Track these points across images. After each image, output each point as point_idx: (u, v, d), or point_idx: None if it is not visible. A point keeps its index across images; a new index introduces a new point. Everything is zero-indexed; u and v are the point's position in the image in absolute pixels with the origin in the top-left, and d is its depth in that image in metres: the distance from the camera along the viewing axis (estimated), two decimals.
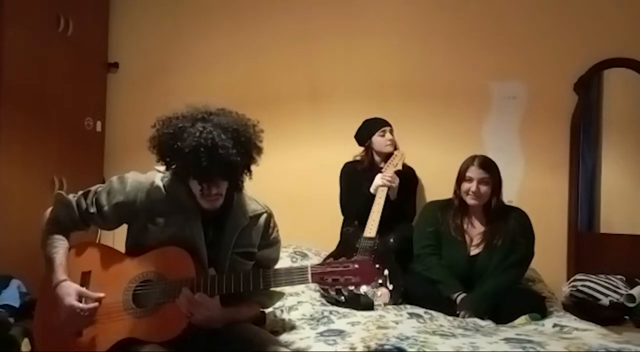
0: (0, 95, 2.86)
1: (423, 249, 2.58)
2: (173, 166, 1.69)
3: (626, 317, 2.65)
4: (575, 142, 3.10)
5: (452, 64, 3.25)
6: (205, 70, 3.58)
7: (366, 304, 2.38)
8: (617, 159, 3.14)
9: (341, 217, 2.95)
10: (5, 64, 2.88)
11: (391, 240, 2.69)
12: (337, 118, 3.34)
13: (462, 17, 3.26)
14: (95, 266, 1.78)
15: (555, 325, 2.18)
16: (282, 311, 2.31)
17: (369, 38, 3.38)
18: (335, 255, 2.71)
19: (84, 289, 1.71)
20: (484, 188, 2.49)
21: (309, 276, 1.61)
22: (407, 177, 2.94)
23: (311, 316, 2.26)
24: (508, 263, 2.45)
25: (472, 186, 2.48)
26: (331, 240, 2.84)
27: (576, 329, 2.10)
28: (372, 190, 2.77)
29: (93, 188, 1.85)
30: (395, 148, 2.94)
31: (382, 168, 2.85)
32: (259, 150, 1.72)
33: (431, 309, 2.35)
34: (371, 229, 2.65)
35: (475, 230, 2.55)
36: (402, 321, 2.19)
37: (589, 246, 3.04)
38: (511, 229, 2.49)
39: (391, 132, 2.97)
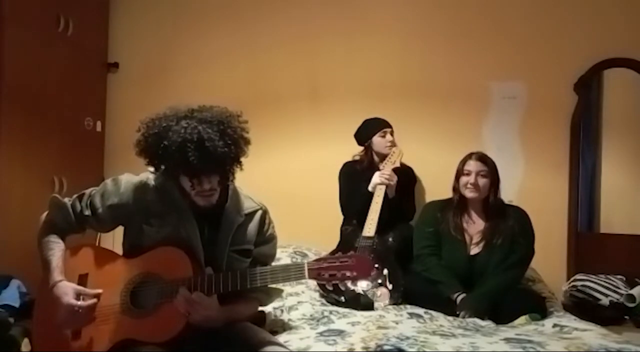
0: (1, 95, 2.86)
1: (423, 250, 2.58)
2: (162, 167, 1.69)
3: (626, 317, 2.65)
4: (575, 142, 3.10)
5: (452, 64, 3.26)
6: (205, 70, 3.58)
7: (366, 304, 2.38)
8: (617, 159, 3.15)
9: (341, 217, 2.95)
10: (5, 64, 2.88)
11: (390, 239, 2.69)
12: (337, 118, 3.34)
13: (462, 17, 3.26)
14: (93, 268, 1.78)
15: (555, 325, 2.18)
16: (282, 311, 2.31)
17: (369, 38, 3.38)
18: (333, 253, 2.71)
19: (81, 287, 1.71)
20: (482, 180, 2.52)
21: (306, 271, 1.61)
22: (406, 176, 2.94)
23: (311, 316, 2.26)
24: (508, 263, 2.45)
25: (471, 178, 2.51)
26: (331, 240, 2.84)
27: (576, 329, 2.10)
28: (370, 188, 2.77)
29: (87, 191, 1.85)
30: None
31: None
32: (246, 141, 1.70)
33: (431, 309, 2.35)
34: (370, 228, 2.65)
35: (475, 227, 2.55)
36: (402, 321, 2.19)
37: (589, 246, 3.05)
38: (511, 228, 2.50)
39: (392, 133, 2.97)
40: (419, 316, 2.27)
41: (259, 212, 1.89)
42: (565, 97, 3.12)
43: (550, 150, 3.13)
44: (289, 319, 2.22)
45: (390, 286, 2.48)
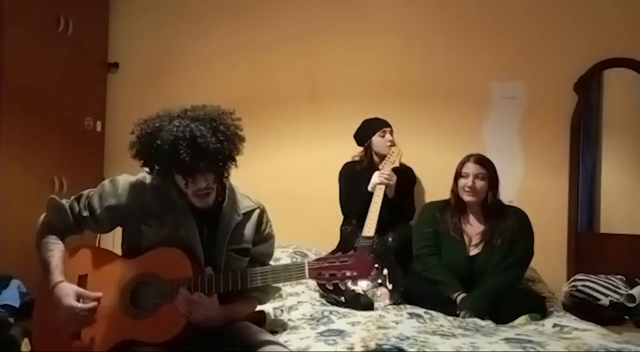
0: (1, 95, 2.87)
1: (422, 250, 2.58)
2: (156, 167, 1.69)
3: (626, 317, 2.65)
4: (575, 142, 3.10)
5: (452, 64, 3.26)
6: (205, 70, 3.58)
7: (366, 304, 2.38)
8: (617, 159, 3.15)
9: (341, 217, 2.95)
10: (5, 64, 2.88)
11: (390, 239, 2.70)
12: (337, 118, 3.34)
13: (462, 17, 3.26)
14: (92, 269, 1.78)
15: (555, 325, 2.18)
16: (282, 311, 2.31)
17: (369, 38, 3.38)
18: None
19: (81, 289, 1.70)
20: (480, 183, 2.51)
21: (307, 271, 1.61)
22: (405, 176, 2.94)
23: (311, 316, 2.26)
24: (508, 263, 2.45)
25: (468, 181, 2.50)
26: (331, 240, 2.84)
27: (576, 329, 2.10)
28: (369, 188, 2.77)
29: (85, 192, 1.85)
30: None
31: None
32: (240, 138, 1.70)
33: (431, 309, 2.35)
34: (370, 228, 2.65)
35: (473, 229, 2.55)
36: (402, 321, 2.19)
37: (589, 246, 3.05)
38: (510, 228, 2.49)
39: (391, 133, 2.97)
40: (419, 316, 2.27)
41: (257, 211, 1.89)
42: (565, 97, 3.12)
43: (550, 151, 3.13)
44: (289, 319, 2.22)
45: (390, 286, 2.48)
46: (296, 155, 3.44)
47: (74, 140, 3.40)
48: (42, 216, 1.85)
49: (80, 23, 3.38)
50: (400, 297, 2.47)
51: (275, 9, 3.53)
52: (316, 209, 3.25)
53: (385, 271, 2.51)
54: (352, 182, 2.93)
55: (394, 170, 2.79)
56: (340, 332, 2.00)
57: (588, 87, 3.12)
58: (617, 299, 2.67)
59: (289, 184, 3.36)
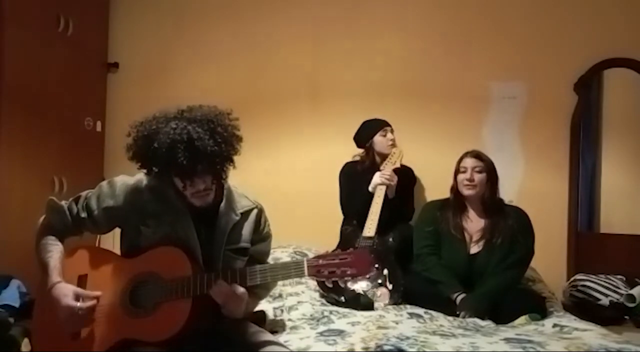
0: (1, 95, 2.86)
1: (423, 249, 2.58)
2: (154, 169, 1.68)
3: (626, 317, 2.66)
4: (575, 142, 3.10)
5: (452, 64, 3.26)
6: (205, 70, 3.59)
7: (366, 304, 2.38)
8: (617, 159, 3.15)
9: (341, 217, 2.95)
10: (5, 64, 2.88)
11: (390, 239, 2.70)
12: (337, 118, 3.34)
13: (462, 17, 3.26)
14: (91, 269, 1.78)
15: (555, 325, 2.18)
16: (282, 311, 2.31)
17: (369, 38, 3.38)
18: None
19: (80, 289, 1.70)
20: (478, 176, 2.53)
21: (305, 269, 1.61)
22: (406, 176, 2.94)
23: (311, 315, 2.26)
24: (508, 263, 2.45)
25: (467, 174, 2.53)
26: (331, 240, 2.84)
27: (576, 329, 2.10)
28: (370, 189, 2.77)
29: (83, 193, 1.85)
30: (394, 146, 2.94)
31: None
32: (238, 139, 1.70)
33: (431, 309, 2.35)
34: (370, 229, 2.65)
35: (474, 225, 2.56)
36: (402, 321, 2.19)
37: (589, 246, 3.05)
38: (510, 227, 2.50)
39: (392, 132, 2.97)
40: (419, 316, 2.27)
41: (255, 211, 1.89)
42: (565, 97, 3.12)
43: (550, 151, 3.14)
44: (289, 319, 2.22)
45: (390, 286, 2.48)
46: (296, 155, 3.44)
47: (74, 140, 3.40)
48: (42, 217, 1.85)
49: (80, 23, 3.38)
50: (400, 297, 2.47)
51: (275, 9, 3.53)
52: (316, 209, 3.26)
53: (385, 271, 2.52)
54: (353, 182, 2.93)
55: (394, 171, 2.80)
56: (340, 332, 2.00)
57: (588, 87, 3.12)
58: (617, 299, 2.67)
59: (288, 184, 3.36)
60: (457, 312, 2.34)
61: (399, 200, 2.84)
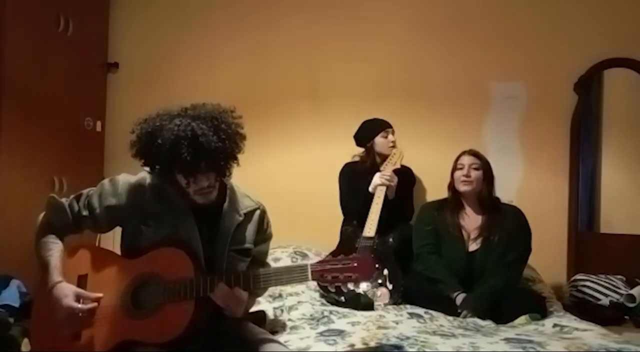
0: (1, 95, 2.86)
1: (422, 248, 2.59)
2: (157, 166, 1.68)
3: (626, 317, 2.66)
4: (575, 142, 3.10)
5: (452, 64, 3.26)
6: (206, 70, 3.58)
7: (366, 304, 2.38)
8: (617, 159, 3.15)
9: (341, 217, 2.95)
10: (5, 64, 2.88)
11: (390, 240, 2.70)
12: (337, 118, 3.34)
13: (462, 17, 3.26)
14: (92, 269, 1.77)
15: (555, 325, 2.18)
16: (282, 311, 2.31)
17: (369, 38, 3.38)
18: (334, 254, 2.71)
19: (81, 290, 1.69)
20: (475, 173, 2.57)
21: (309, 274, 1.61)
22: (406, 177, 2.94)
23: (311, 315, 2.26)
24: (507, 261, 2.46)
25: (464, 171, 2.57)
26: (331, 240, 2.84)
27: (576, 329, 2.10)
28: (370, 189, 2.77)
29: (85, 191, 1.84)
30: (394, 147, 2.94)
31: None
32: (242, 136, 1.70)
33: (431, 308, 2.35)
34: (370, 229, 2.65)
35: (471, 222, 2.57)
36: (402, 321, 2.19)
37: (589, 246, 3.05)
38: (507, 225, 2.52)
39: (393, 133, 2.97)
40: (419, 316, 2.27)
41: (258, 212, 1.88)
42: (565, 97, 3.12)
43: (550, 151, 3.14)
44: (289, 319, 2.22)
45: (390, 286, 2.48)
46: (296, 155, 3.44)
47: (74, 140, 3.40)
48: (42, 215, 1.83)
49: (80, 23, 3.38)
50: (400, 297, 2.47)
51: (276, 9, 3.52)
52: (316, 209, 3.25)
53: (385, 271, 2.52)
54: (353, 183, 2.93)
55: (394, 171, 2.80)
56: (340, 332, 2.00)
57: (588, 87, 3.12)
58: (617, 299, 2.67)
59: (289, 184, 3.36)
60: (458, 312, 2.34)
61: (399, 200, 2.84)
